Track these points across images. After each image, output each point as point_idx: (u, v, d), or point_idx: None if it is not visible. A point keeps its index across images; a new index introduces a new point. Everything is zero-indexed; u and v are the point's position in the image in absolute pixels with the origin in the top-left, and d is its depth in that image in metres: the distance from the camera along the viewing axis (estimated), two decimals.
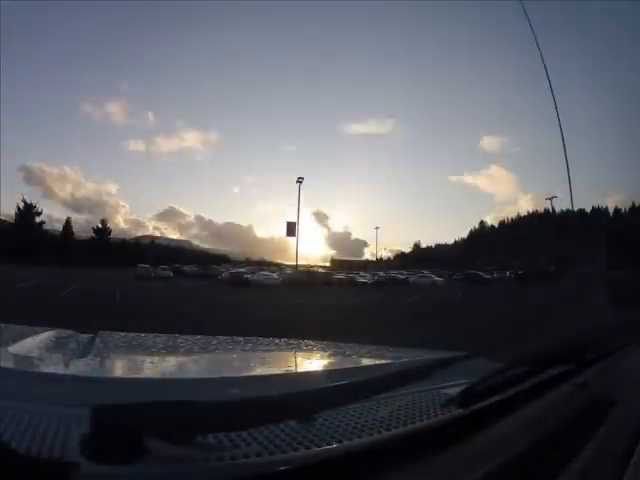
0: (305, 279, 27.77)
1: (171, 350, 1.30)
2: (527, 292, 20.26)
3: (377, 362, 1.26)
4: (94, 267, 28.15)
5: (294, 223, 35.11)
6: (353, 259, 39.66)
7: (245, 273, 31.23)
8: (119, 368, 1.06)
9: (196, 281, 28.66)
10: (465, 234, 38.95)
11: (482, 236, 37.98)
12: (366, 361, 1.35)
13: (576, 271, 25.22)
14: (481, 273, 32.20)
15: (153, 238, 38.46)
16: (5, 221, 29.48)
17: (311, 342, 1.58)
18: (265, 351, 1.41)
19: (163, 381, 0.85)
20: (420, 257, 38.40)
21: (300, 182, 36.96)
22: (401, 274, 34.30)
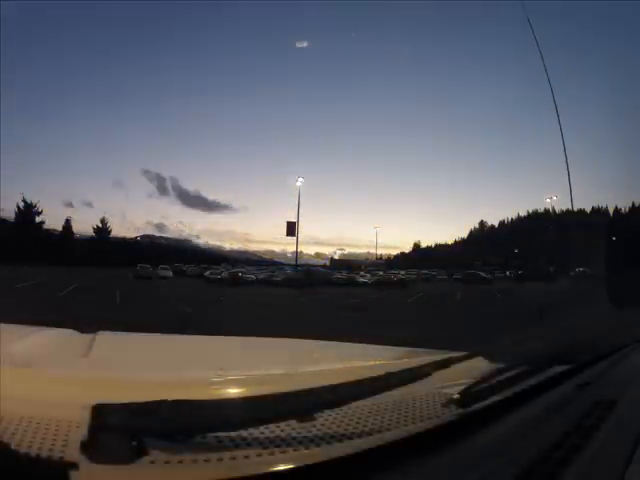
0: (305, 279, 27.77)
1: (171, 350, 1.30)
2: (526, 292, 20.27)
3: (377, 362, 1.26)
4: (94, 267, 28.11)
5: (294, 223, 35.11)
6: (353, 259, 39.62)
7: (245, 273, 31.26)
8: (119, 368, 1.06)
9: (196, 281, 28.73)
10: (465, 234, 38.94)
11: (482, 236, 37.97)
12: (366, 361, 1.34)
13: (576, 271, 25.22)
14: (481, 273, 32.22)
15: (153, 238, 38.39)
16: (5, 221, 29.44)
17: (311, 342, 1.58)
18: (265, 351, 1.41)
19: (163, 381, 0.85)
20: (420, 257, 38.40)
21: (300, 182, 36.93)
22: (400, 274, 34.32)
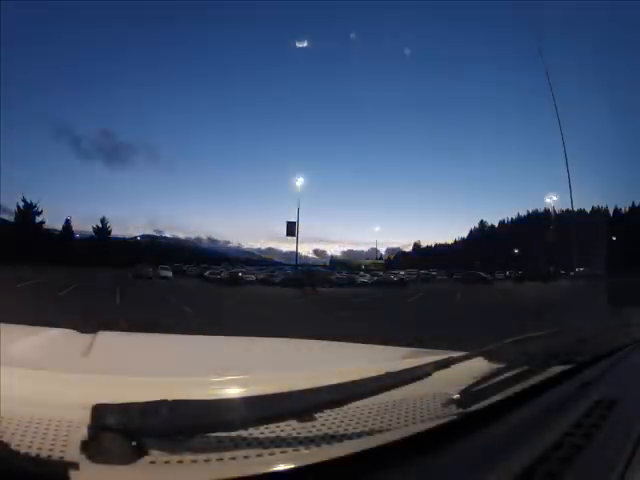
0: (305, 279, 27.79)
1: (171, 350, 1.30)
2: (527, 292, 20.29)
3: (377, 362, 1.26)
4: (94, 267, 28.11)
5: (294, 223, 35.08)
6: (353, 258, 39.60)
7: (245, 273, 31.29)
8: (119, 368, 1.06)
9: (196, 280, 28.81)
10: (465, 234, 38.88)
11: (482, 236, 37.95)
12: (366, 361, 1.35)
13: (576, 271, 25.27)
14: (481, 273, 32.25)
15: (153, 238, 38.36)
16: (5, 221, 29.46)
17: (311, 342, 1.58)
18: (265, 351, 1.41)
19: (163, 381, 0.85)
20: (420, 257, 38.41)
21: (300, 182, 36.91)
22: (400, 274, 34.35)
